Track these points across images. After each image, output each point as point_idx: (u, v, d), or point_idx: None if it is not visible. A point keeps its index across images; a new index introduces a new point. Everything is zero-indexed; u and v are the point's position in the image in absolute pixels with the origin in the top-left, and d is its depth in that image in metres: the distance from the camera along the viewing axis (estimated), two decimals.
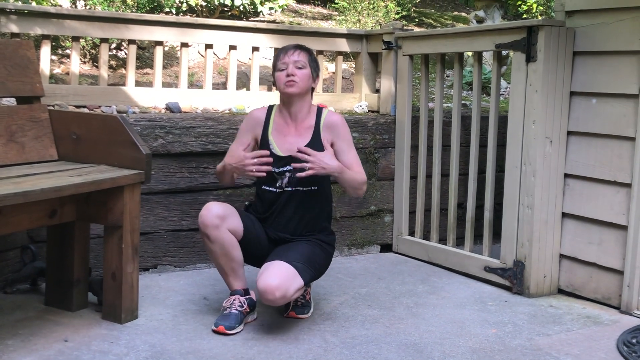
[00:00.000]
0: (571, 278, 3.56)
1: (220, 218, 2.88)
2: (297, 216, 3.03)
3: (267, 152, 2.92)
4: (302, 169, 2.86)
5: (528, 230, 3.48)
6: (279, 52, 3.07)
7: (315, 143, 3.00)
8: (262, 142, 3.06)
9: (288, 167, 2.99)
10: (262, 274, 2.82)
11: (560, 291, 3.60)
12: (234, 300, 2.96)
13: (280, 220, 3.03)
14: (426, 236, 4.21)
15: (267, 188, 3.05)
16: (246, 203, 3.27)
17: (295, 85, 2.97)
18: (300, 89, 2.99)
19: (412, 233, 4.29)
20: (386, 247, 4.38)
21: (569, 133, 3.52)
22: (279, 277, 2.78)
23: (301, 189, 3.01)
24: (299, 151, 2.87)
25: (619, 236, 3.32)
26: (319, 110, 3.10)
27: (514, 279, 3.55)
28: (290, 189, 3.01)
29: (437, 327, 3.06)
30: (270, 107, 3.13)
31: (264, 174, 2.91)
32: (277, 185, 3.02)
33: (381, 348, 2.81)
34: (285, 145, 3.02)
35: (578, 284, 3.53)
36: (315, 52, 4.55)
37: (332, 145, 3.03)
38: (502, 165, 3.69)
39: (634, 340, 2.91)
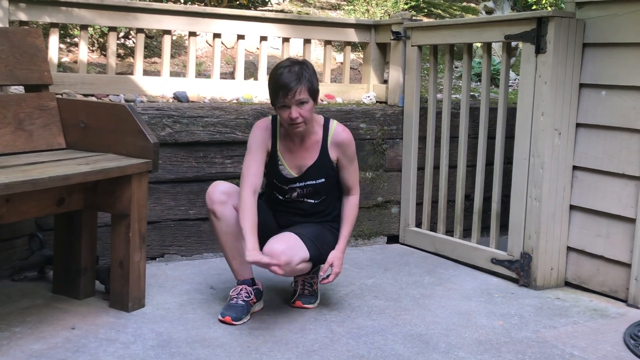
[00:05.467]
0: (578, 271, 3.55)
1: (227, 194, 2.89)
2: (306, 215, 3.03)
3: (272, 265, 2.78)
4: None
5: (535, 222, 3.47)
6: (277, 88, 2.78)
7: (323, 160, 2.97)
8: (272, 159, 2.97)
9: (298, 184, 2.98)
10: (268, 242, 2.82)
11: (567, 284, 3.59)
12: (240, 290, 2.96)
13: (289, 216, 3.04)
14: (433, 228, 4.20)
15: (277, 195, 3.04)
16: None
17: (301, 125, 2.85)
18: (307, 124, 2.89)
19: (419, 224, 4.28)
20: (393, 239, 4.38)
21: (578, 125, 3.51)
22: (285, 243, 2.79)
23: (312, 201, 3.01)
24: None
25: (627, 229, 3.30)
26: (326, 122, 3.00)
27: (520, 271, 3.54)
28: (300, 199, 3.01)
29: (443, 319, 3.06)
30: (274, 119, 3.00)
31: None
32: (287, 196, 3.02)
33: (387, 339, 2.81)
34: (294, 162, 2.97)
35: (585, 277, 3.52)
36: (323, 42, 4.57)
37: (337, 160, 3.00)
38: (510, 157, 3.67)
39: None
